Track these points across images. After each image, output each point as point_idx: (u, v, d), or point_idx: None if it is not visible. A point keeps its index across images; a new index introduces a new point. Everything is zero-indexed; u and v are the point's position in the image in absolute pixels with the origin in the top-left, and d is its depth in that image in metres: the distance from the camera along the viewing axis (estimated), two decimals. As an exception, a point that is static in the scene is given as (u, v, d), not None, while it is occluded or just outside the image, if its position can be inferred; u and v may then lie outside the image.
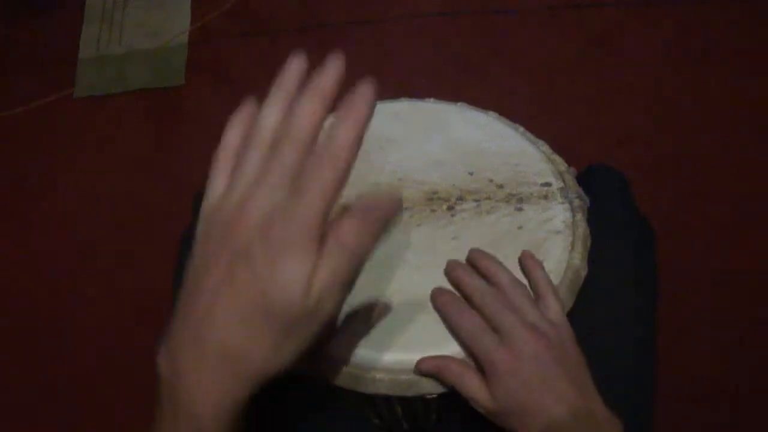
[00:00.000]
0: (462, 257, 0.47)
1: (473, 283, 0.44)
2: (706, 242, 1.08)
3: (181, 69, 1.39)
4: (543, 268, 0.46)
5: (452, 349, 0.42)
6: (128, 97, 1.38)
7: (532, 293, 0.45)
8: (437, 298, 0.45)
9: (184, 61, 1.41)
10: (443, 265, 0.47)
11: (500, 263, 0.46)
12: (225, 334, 0.29)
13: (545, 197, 0.51)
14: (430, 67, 1.35)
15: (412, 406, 0.47)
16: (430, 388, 0.43)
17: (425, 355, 0.42)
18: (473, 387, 0.41)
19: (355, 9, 1.45)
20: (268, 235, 0.28)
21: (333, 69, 0.32)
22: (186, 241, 0.64)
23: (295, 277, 0.28)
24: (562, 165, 0.54)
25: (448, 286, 0.46)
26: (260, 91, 1.28)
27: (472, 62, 1.35)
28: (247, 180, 0.30)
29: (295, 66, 0.34)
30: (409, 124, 0.59)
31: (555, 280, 0.46)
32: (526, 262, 0.47)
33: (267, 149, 0.31)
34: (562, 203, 0.51)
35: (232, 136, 0.34)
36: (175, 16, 1.48)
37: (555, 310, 0.43)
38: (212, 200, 0.32)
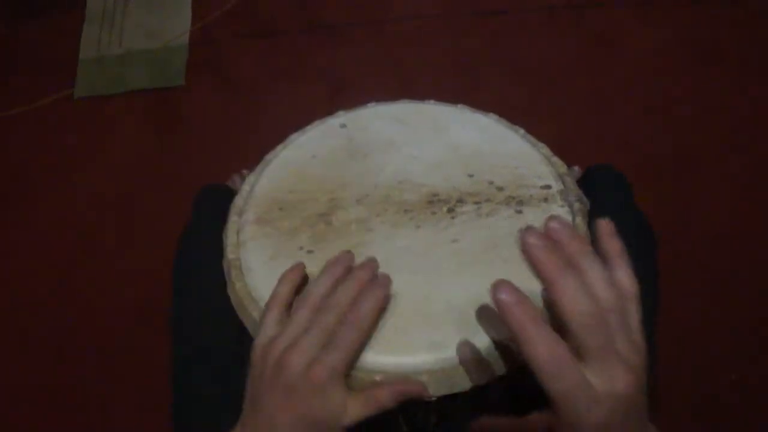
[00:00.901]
0: (462, 259, 0.47)
1: (577, 299, 0.34)
2: (706, 243, 1.08)
3: (181, 70, 1.39)
4: (631, 267, 0.39)
5: (452, 353, 0.42)
6: (128, 97, 1.38)
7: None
8: (511, 311, 0.34)
9: (185, 62, 1.41)
10: (442, 269, 0.46)
11: (592, 253, 0.36)
12: None
13: (545, 200, 0.51)
14: (430, 68, 1.35)
15: (413, 408, 0.47)
16: (430, 391, 0.43)
17: (425, 357, 0.42)
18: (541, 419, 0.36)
19: (355, 10, 1.45)
20: (309, 378, 0.39)
21: (369, 267, 0.45)
22: (184, 243, 0.64)
23: (333, 407, 0.40)
24: (563, 167, 0.54)
25: (450, 290, 0.45)
26: (260, 91, 1.28)
27: (472, 63, 1.35)
28: (296, 331, 0.42)
29: (343, 258, 0.46)
30: (410, 126, 0.58)
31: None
32: (611, 252, 0.38)
33: (313, 311, 0.43)
34: (562, 206, 0.51)
35: (283, 289, 0.45)
36: (176, 17, 1.48)
37: (637, 322, 0.36)
38: (265, 340, 0.42)
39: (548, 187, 0.52)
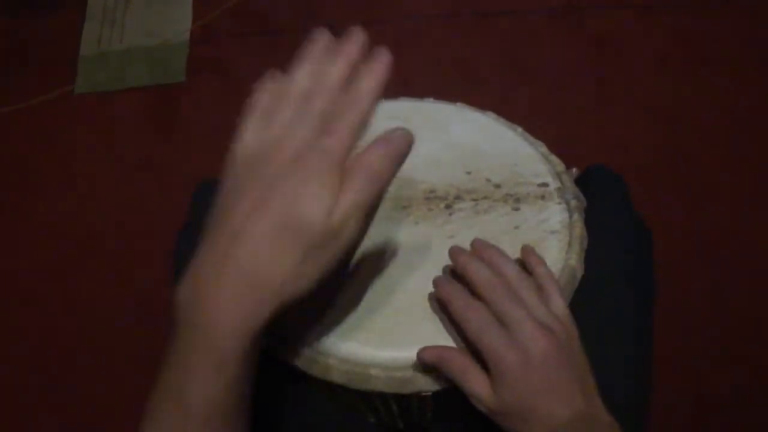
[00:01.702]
0: None
1: (481, 272, 0.41)
2: (703, 243, 1.09)
3: (182, 67, 1.40)
4: (546, 264, 0.45)
5: (449, 345, 0.43)
6: (129, 94, 1.38)
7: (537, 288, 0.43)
8: (441, 288, 0.42)
9: (185, 59, 1.41)
10: (440, 264, 0.47)
11: (505, 254, 0.44)
12: (251, 253, 0.31)
13: (542, 197, 0.51)
14: (430, 68, 1.35)
15: (408, 403, 0.47)
16: (426, 385, 0.43)
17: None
18: (476, 384, 0.39)
19: (356, 9, 1.45)
20: (297, 166, 0.32)
21: (357, 37, 0.37)
22: (183, 240, 0.64)
23: (320, 198, 0.31)
24: (560, 165, 0.55)
25: None
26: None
27: (471, 63, 1.35)
28: (279, 127, 0.34)
29: (321, 37, 0.38)
30: (408, 123, 0.58)
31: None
32: (529, 258, 0.45)
33: (297, 101, 0.35)
34: (559, 203, 0.51)
35: (262, 95, 0.37)
36: (177, 14, 1.49)
37: (560, 306, 0.42)
38: (245, 141, 0.35)
39: (545, 185, 0.52)
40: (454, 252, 0.44)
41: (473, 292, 0.42)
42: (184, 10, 1.49)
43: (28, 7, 1.53)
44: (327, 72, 0.35)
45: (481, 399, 0.39)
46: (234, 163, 0.35)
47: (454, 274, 0.44)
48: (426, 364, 0.41)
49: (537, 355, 0.38)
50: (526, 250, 0.46)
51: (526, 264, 0.45)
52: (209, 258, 0.32)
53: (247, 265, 0.31)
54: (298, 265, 0.31)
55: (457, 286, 0.42)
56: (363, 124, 0.34)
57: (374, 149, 0.33)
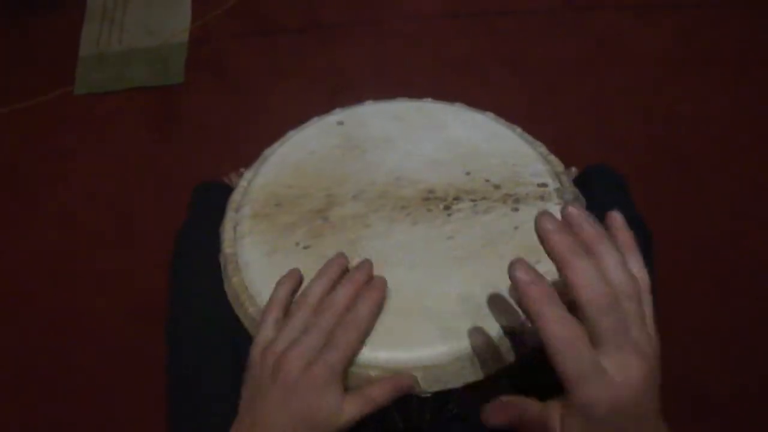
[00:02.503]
0: (458, 256, 0.47)
1: (594, 285, 0.33)
2: (703, 243, 1.08)
3: (181, 67, 1.40)
4: (642, 258, 0.38)
5: (447, 348, 0.42)
6: (128, 94, 1.38)
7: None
8: (527, 289, 0.34)
9: (184, 59, 1.41)
10: (438, 265, 0.47)
11: (609, 240, 0.36)
12: None
13: (541, 198, 0.51)
14: (429, 67, 1.35)
15: (407, 404, 0.47)
16: (425, 386, 0.43)
17: (420, 353, 0.42)
18: (550, 423, 0.35)
19: (356, 9, 1.45)
20: (309, 376, 0.40)
21: (365, 269, 0.46)
22: (181, 240, 0.64)
23: (327, 406, 0.40)
24: (559, 166, 0.54)
25: (446, 286, 0.45)
26: (259, 90, 1.28)
27: (471, 63, 1.35)
28: (294, 331, 0.43)
29: (338, 260, 0.47)
30: (407, 123, 0.59)
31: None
32: (631, 258, 0.38)
33: (311, 312, 0.44)
34: (558, 204, 0.51)
35: (282, 292, 0.46)
36: (176, 14, 1.49)
37: (650, 313, 0.36)
38: (263, 341, 0.43)
39: (545, 185, 0.52)
40: (553, 237, 0.35)
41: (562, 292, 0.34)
42: (183, 10, 1.49)
43: (27, 8, 1.53)
44: (339, 292, 0.44)
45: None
46: (255, 356, 0.43)
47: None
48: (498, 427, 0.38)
49: (628, 387, 0.33)
50: (625, 239, 0.39)
51: (623, 252, 0.37)
52: None
53: None
54: None
55: (547, 288, 0.34)
56: (361, 340, 0.43)
57: (379, 386, 0.42)
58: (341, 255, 0.47)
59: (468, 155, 0.55)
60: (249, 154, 0.61)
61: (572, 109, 1.27)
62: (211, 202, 0.62)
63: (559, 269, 0.34)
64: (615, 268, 0.34)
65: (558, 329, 0.33)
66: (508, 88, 1.30)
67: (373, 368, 0.42)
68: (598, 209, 0.54)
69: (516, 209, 0.51)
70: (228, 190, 0.58)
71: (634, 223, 0.62)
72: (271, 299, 0.45)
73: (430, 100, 0.62)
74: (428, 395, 0.43)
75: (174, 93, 1.37)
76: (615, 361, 0.33)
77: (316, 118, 0.61)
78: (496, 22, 1.41)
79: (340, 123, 0.60)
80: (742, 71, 1.30)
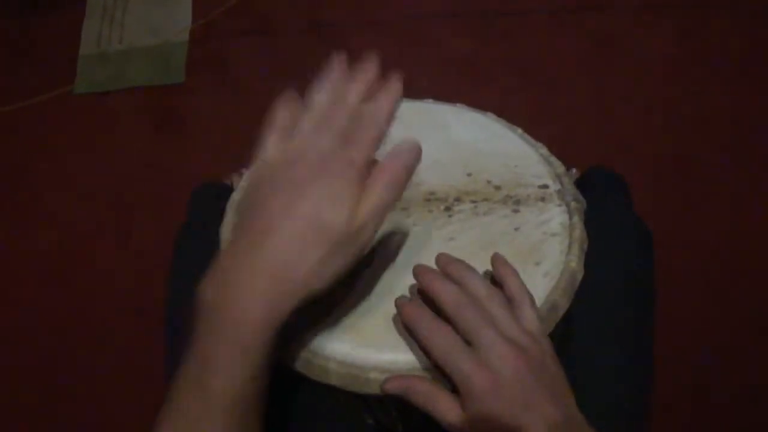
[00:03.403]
0: (458, 257, 0.47)
1: (447, 290, 0.40)
2: (704, 245, 1.08)
3: (182, 67, 1.40)
4: (518, 275, 0.43)
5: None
6: (128, 94, 1.38)
7: (508, 302, 0.41)
8: (403, 310, 0.40)
9: (185, 59, 1.41)
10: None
11: (472, 269, 0.42)
12: (280, 249, 0.34)
13: (542, 199, 0.51)
14: (431, 68, 1.35)
15: (407, 406, 0.47)
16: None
17: (418, 354, 0.42)
18: (445, 409, 0.38)
19: (357, 9, 1.45)
20: (323, 171, 0.35)
21: (373, 62, 0.41)
22: (181, 240, 0.64)
23: (344, 203, 0.35)
24: (560, 167, 0.54)
25: None
26: (260, 89, 1.28)
27: (472, 63, 1.35)
28: (302, 137, 0.37)
29: (338, 61, 0.42)
30: (408, 124, 0.58)
31: (551, 282, 0.46)
32: (498, 267, 0.43)
33: (319, 115, 0.38)
34: (559, 205, 0.51)
35: (281, 113, 0.40)
36: (177, 13, 1.49)
37: (532, 320, 0.40)
38: (268, 152, 0.38)
39: (546, 186, 0.52)
40: (419, 271, 0.42)
41: (440, 312, 0.40)
42: (184, 9, 1.49)
43: (27, 7, 1.53)
44: (346, 90, 0.39)
45: (451, 422, 0.38)
46: (259, 167, 0.38)
47: (422, 293, 0.42)
48: (391, 395, 0.40)
49: (508, 376, 0.36)
50: (497, 259, 0.44)
51: (495, 275, 0.44)
52: (239, 253, 0.35)
53: (276, 260, 0.34)
54: (321, 261, 0.34)
55: (421, 308, 0.40)
56: (381, 138, 0.37)
57: (391, 160, 0.37)
58: (339, 56, 0.42)
59: (469, 156, 0.55)
60: (250, 153, 0.61)
61: (573, 110, 1.26)
62: (211, 203, 0.62)
63: (424, 290, 0.41)
64: (476, 282, 0.40)
65: (436, 341, 0.38)
66: (509, 88, 1.30)
67: (373, 370, 0.42)
68: (597, 211, 0.54)
69: (517, 211, 0.50)
70: (228, 190, 0.58)
71: (634, 225, 0.62)
72: (268, 123, 0.40)
73: (431, 100, 0.61)
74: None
75: (174, 92, 1.37)
76: (488, 353, 0.37)
77: (316, 119, 0.61)
78: (497, 22, 1.41)
79: (341, 123, 0.60)
80: (743, 71, 1.30)
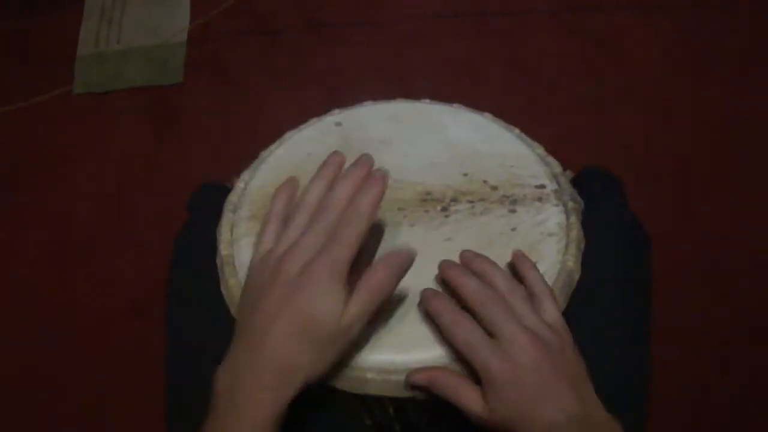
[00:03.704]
0: (455, 258, 0.47)
1: (470, 284, 0.42)
2: (702, 246, 1.08)
3: (180, 67, 1.39)
4: (537, 269, 0.45)
5: (445, 350, 0.42)
6: (126, 94, 1.38)
7: (528, 295, 0.43)
8: (429, 302, 0.43)
9: (183, 59, 1.41)
10: (436, 266, 0.47)
11: (495, 264, 0.44)
12: (280, 346, 0.38)
13: (539, 199, 0.51)
14: (429, 68, 1.35)
15: (404, 406, 0.47)
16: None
17: (417, 355, 0.42)
18: (469, 398, 0.40)
19: (354, 10, 1.45)
20: (309, 273, 0.39)
21: (364, 164, 0.44)
22: (180, 241, 0.64)
23: (331, 305, 0.38)
24: (557, 167, 0.54)
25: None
26: (258, 90, 1.28)
27: (470, 63, 1.35)
28: (294, 234, 0.42)
29: (335, 159, 0.46)
30: (405, 124, 0.59)
31: (548, 283, 0.46)
32: (519, 262, 0.45)
33: (312, 212, 0.43)
34: (556, 205, 0.51)
35: (279, 203, 0.46)
36: (175, 14, 1.48)
37: (552, 312, 0.42)
38: (265, 247, 0.43)
39: (542, 186, 0.52)
40: (444, 266, 0.45)
41: (463, 304, 0.42)
42: (182, 9, 1.49)
43: (25, 7, 1.53)
44: (339, 189, 0.42)
45: (475, 412, 0.39)
46: (256, 263, 0.43)
47: (445, 285, 0.44)
48: (417, 387, 0.42)
49: (527, 364, 0.38)
50: (518, 254, 0.46)
51: (517, 269, 0.45)
52: (244, 351, 0.40)
53: (275, 358, 0.38)
54: (316, 356, 0.39)
55: (445, 300, 0.42)
56: (363, 234, 0.40)
57: (380, 268, 0.40)
58: (337, 154, 0.47)
59: (466, 157, 0.55)
60: (248, 154, 0.61)
61: (571, 110, 1.26)
62: (210, 203, 0.62)
63: (447, 283, 0.44)
64: (497, 276, 0.43)
65: (458, 331, 0.40)
66: (508, 88, 1.30)
67: (371, 370, 0.42)
68: (594, 211, 0.54)
69: (513, 210, 0.51)
70: (227, 190, 0.58)
71: (629, 225, 0.62)
72: (269, 212, 0.45)
73: (428, 100, 0.62)
74: (426, 398, 0.43)
75: (173, 93, 1.37)
76: (510, 344, 0.39)
77: (313, 119, 0.61)
78: (496, 23, 1.41)
79: (338, 124, 0.60)
80: (742, 71, 1.30)
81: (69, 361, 1.06)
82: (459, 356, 0.41)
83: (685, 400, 0.94)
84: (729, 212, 1.12)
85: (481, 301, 0.41)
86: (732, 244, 1.09)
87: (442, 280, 0.45)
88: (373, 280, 0.40)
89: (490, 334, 0.40)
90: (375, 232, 0.50)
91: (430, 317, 0.43)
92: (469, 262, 0.45)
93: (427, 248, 0.48)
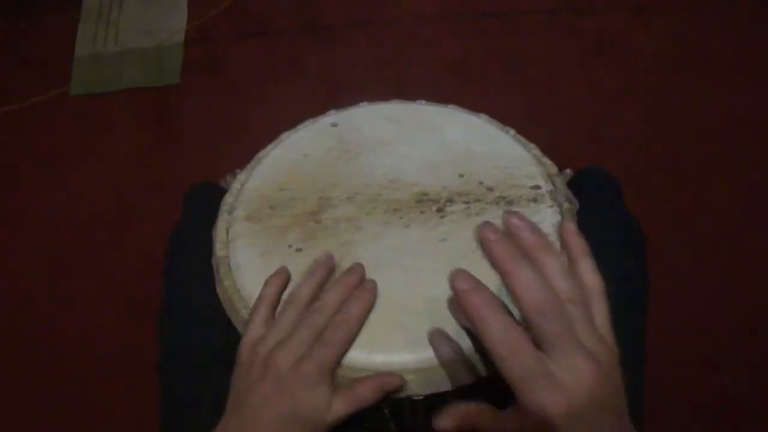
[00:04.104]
0: (450, 259, 0.47)
1: (531, 287, 0.34)
2: (698, 246, 1.08)
3: (177, 68, 1.39)
4: (592, 257, 0.38)
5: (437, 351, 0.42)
6: (123, 95, 1.38)
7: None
8: (467, 297, 0.35)
9: (180, 60, 1.41)
10: (431, 267, 0.46)
11: (549, 245, 0.36)
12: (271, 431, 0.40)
13: (534, 200, 0.51)
14: (426, 69, 1.35)
15: (399, 407, 0.47)
16: (417, 389, 0.43)
17: (411, 356, 0.42)
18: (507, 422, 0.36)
19: (352, 10, 1.45)
20: (299, 372, 0.40)
21: (356, 273, 0.46)
22: (174, 242, 0.64)
23: (318, 403, 0.40)
24: (553, 168, 0.54)
25: (437, 289, 0.43)
26: (255, 91, 1.28)
27: (468, 65, 1.35)
28: (284, 327, 0.43)
29: (327, 262, 0.47)
30: (401, 126, 0.59)
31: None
32: (571, 243, 0.39)
33: (301, 310, 0.44)
34: (551, 206, 0.51)
35: (270, 290, 0.46)
36: (172, 15, 1.48)
37: (604, 320, 0.36)
38: (252, 340, 0.43)
39: (538, 187, 0.52)
40: (488, 241, 0.36)
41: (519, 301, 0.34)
42: (179, 11, 1.49)
43: (22, 8, 1.53)
44: (331, 294, 0.44)
45: None
46: (244, 352, 0.43)
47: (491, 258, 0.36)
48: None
49: (582, 398, 0.32)
50: (568, 230, 0.40)
51: (566, 253, 0.39)
52: None
53: None
54: None
55: (488, 297, 0.35)
56: (351, 339, 0.42)
57: (367, 382, 0.42)
58: (329, 257, 0.48)
59: (461, 157, 0.55)
60: (245, 154, 0.61)
61: (569, 111, 1.27)
62: (204, 204, 0.62)
63: (502, 277, 0.35)
64: (557, 273, 0.35)
65: (499, 334, 0.33)
66: (505, 89, 1.30)
67: (365, 371, 0.42)
68: (590, 211, 0.54)
69: (509, 211, 0.51)
70: (222, 191, 0.58)
71: (626, 225, 0.62)
72: (259, 297, 0.46)
73: (423, 101, 0.62)
74: (420, 398, 0.43)
75: (170, 94, 1.37)
76: (563, 365, 0.32)
77: (309, 120, 0.61)
78: (492, 23, 1.41)
79: (334, 125, 0.60)
80: (738, 72, 1.30)
81: (64, 360, 1.06)
82: (501, 371, 0.34)
83: (681, 399, 0.94)
84: (724, 212, 1.13)
85: (541, 311, 0.33)
86: (727, 244, 1.09)
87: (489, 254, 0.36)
88: (359, 391, 0.42)
89: (539, 342, 0.33)
90: (369, 237, 0.50)
91: (462, 309, 0.35)
92: (518, 231, 0.37)
93: (422, 249, 0.48)
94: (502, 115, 0.60)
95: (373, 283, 0.45)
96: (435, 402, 0.43)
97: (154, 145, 1.30)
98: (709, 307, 1.03)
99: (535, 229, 0.37)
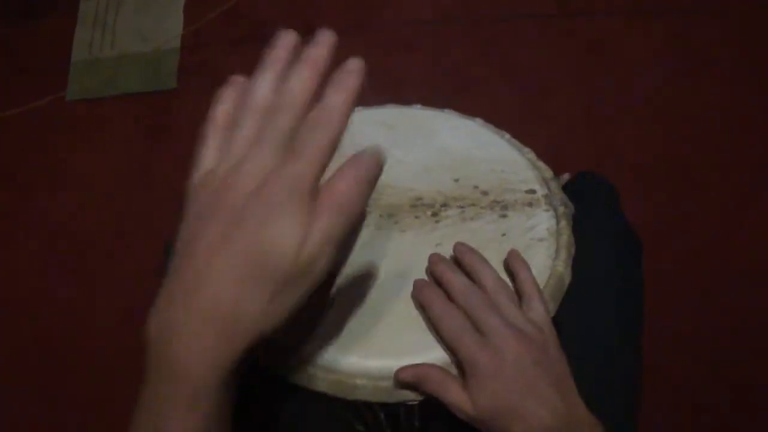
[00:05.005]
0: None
1: (457, 279, 0.43)
2: (693, 252, 1.09)
3: (173, 73, 1.39)
4: (530, 269, 0.45)
5: (434, 355, 0.42)
6: (120, 100, 1.38)
7: (515, 294, 0.44)
8: (421, 291, 0.44)
9: (176, 65, 1.41)
10: (426, 272, 0.47)
11: (485, 261, 0.45)
12: (218, 292, 0.29)
13: (530, 204, 0.51)
14: (422, 73, 1.35)
15: (395, 412, 0.47)
16: (413, 394, 0.43)
17: (407, 361, 0.42)
18: (454, 393, 0.40)
19: (348, 15, 1.45)
20: (262, 196, 0.29)
21: (325, 40, 0.32)
22: (171, 248, 0.64)
23: (288, 234, 0.29)
24: (548, 172, 0.54)
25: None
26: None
27: (464, 69, 1.36)
28: (240, 146, 0.31)
29: (285, 39, 0.34)
30: (396, 130, 0.59)
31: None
32: (513, 261, 0.46)
33: (260, 117, 0.32)
34: (547, 210, 0.51)
35: (221, 109, 0.35)
36: (168, 20, 1.48)
37: (539, 311, 0.43)
38: (203, 169, 0.33)
39: (533, 191, 0.52)
40: (433, 261, 0.46)
41: (451, 298, 0.43)
42: (176, 15, 1.49)
43: (18, 13, 1.53)
44: (292, 81, 0.31)
45: (459, 406, 0.40)
46: (195, 185, 0.33)
47: (436, 279, 0.45)
48: (405, 384, 0.42)
49: (509, 359, 0.39)
50: (512, 254, 0.47)
51: (510, 268, 0.46)
52: (177, 296, 0.30)
53: (213, 304, 0.29)
54: (267, 301, 0.30)
55: (436, 291, 0.44)
56: (334, 145, 0.30)
57: (343, 176, 0.30)
58: (288, 31, 0.35)
59: (456, 162, 0.55)
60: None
61: (565, 115, 1.27)
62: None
63: (442, 284, 0.44)
64: (485, 275, 0.44)
65: (445, 322, 0.41)
66: (502, 93, 1.30)
67: (360, 377, 0.42)
68: (586, 216, 0.55)
69: (504, 216, 0.51)
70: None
71: (622, 230, 0.62)
72: (207, 119, 0.34)
73: (419, 106, 0.62)
74: (416, 403, 0.43)
75: (167, 98, 1.37)
76: (493, 335, 0.39)
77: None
78: (489, 28, 1.41)
79: (329, 129, 0.60)
80: (733, 77, 1.30)
81: (63, 362, 1.06)
82: (445, 348, 0.42)
83: (677, 404, 0.94)
84: (721, 218, 1.13)
85: (467, 296, 0.42)
86: (724, 249, 1.09)
87: (433, 274, 0.46)
88: (336, 194, 0.30)
89: (477, 329, 0.40)
90: (363, 242, 0.50)
91: (421, 307, 0.44)
92: (461, 255, 0.46)
93: (417, 254, 0.48)
94: (500, 120, 0.60)
95: (358, 61, 0.32)
96: (430, 406, 0.43)
97: (151, 149, 1.30)
98: (704, 311, 1.03)
99: (480, 259, 0.46)
